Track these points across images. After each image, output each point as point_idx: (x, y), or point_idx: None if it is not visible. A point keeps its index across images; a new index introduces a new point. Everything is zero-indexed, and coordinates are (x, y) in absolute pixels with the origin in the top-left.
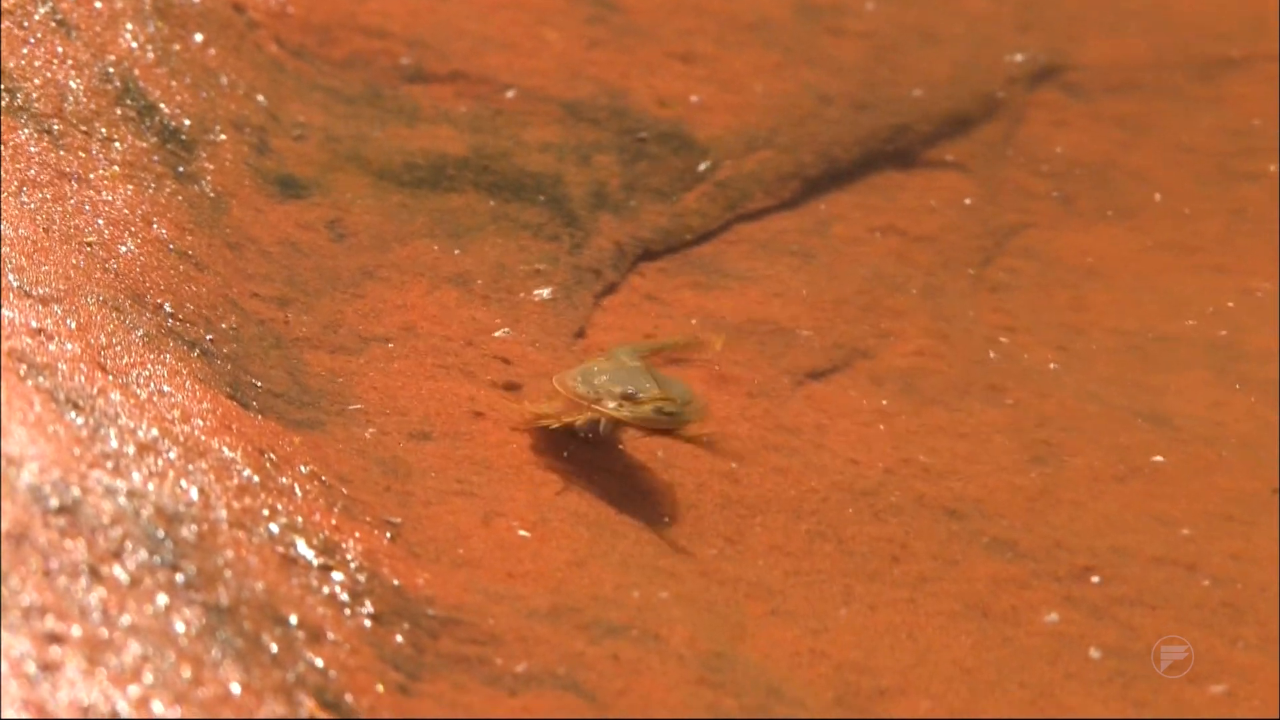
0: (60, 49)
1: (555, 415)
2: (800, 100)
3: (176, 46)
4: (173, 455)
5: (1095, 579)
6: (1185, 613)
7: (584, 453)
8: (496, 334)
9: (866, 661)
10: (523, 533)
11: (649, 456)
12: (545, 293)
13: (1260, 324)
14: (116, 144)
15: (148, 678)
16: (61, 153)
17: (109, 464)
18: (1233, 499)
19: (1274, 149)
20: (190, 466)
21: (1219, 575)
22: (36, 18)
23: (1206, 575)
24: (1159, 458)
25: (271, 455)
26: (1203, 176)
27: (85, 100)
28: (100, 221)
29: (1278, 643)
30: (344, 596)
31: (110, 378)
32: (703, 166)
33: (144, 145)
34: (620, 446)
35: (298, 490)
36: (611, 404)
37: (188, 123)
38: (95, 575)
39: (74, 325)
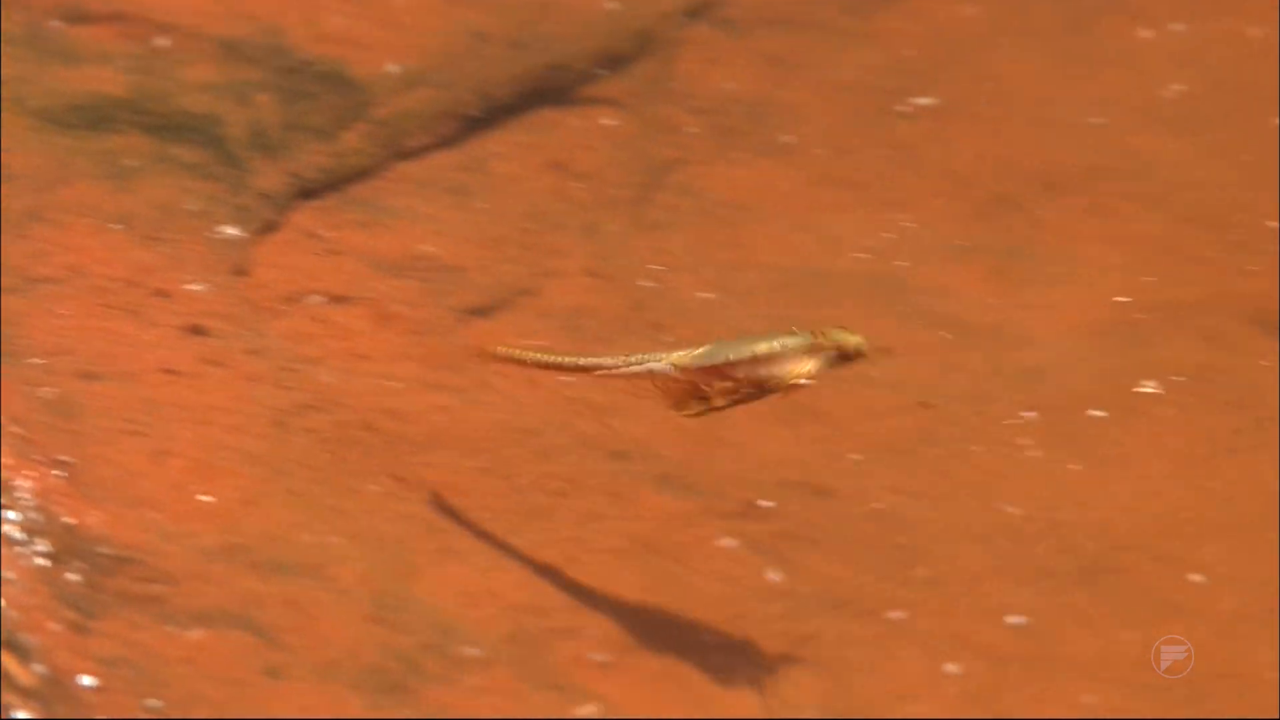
0: None
1: (807, 374)
2: (457, 38)
3: None
4: None
5: (760, 513)
6: (848, 547)
7: (247, 390)
8: (189, 286)
9: (535, 601)
10: (193, 473)
11: (312, 395)
12: (208, 232)
13: (920, 257)
14: None
15: None
16: None
17: None
18: (896, 432)
19: (929, 84)
20: None
21: (882, 509)
22: None
23: (869, 507)
24: (819, 391)
25: None
26: (859, 112)
27: None
28: None
29: (944, 574)
30: (18, 535)
31: None
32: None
33: None
34: (287, 386)
35: None
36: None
37: None
38: None
39: None
